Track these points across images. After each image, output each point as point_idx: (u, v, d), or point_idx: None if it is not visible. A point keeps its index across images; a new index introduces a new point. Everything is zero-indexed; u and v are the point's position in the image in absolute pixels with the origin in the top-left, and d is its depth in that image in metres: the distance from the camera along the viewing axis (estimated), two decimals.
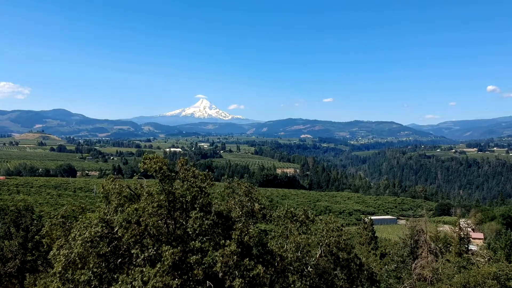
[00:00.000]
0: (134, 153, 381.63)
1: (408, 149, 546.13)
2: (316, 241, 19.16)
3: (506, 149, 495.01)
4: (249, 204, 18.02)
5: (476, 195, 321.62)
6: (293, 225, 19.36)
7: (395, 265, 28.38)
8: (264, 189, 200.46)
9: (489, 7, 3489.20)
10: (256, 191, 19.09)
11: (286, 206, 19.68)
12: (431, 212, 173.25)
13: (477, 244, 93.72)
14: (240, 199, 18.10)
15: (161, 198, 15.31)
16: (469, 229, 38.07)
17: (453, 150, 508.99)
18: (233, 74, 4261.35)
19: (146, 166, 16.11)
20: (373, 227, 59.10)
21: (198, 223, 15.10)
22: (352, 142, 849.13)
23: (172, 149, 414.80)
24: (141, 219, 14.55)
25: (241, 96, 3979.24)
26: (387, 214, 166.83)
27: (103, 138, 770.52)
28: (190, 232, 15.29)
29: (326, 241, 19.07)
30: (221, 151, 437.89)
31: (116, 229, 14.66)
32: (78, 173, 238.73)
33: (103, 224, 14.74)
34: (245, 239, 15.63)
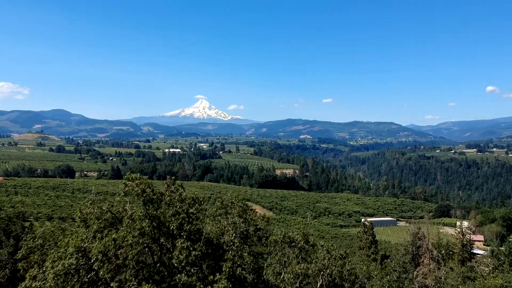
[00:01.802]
0: (133, 153, 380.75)
1: (407, 149, 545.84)
2: (317, 270, 17.49)
3: (506, 149, 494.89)
4: (243, 225, 16.68)
5: (475, 196, 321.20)
6: (291, 251, 17.87)
7: (397, 275, 27.68)
8: (264, 190, 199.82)
9: (489, 8, 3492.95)
10: (251, 210, 17.70)
11: (283, 230, 18.05)
12: (431, 213, 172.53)
13: (477, 247, 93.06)
14: (234, 221, 16.75)
15: (143, 224, 13.88)
16: (470, 232, 37.31)
17: (453, 151, 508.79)
18: (232, 75, 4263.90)
19: (127, 188, 14.68)
20: (373, 231, 58.31)
21: (184, 254, 13.69)
22: (351, 143, 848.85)
23: (171, 150, 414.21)
24: (119, 252, 13.19)
25: (240, 97, 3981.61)
26: (387, 215, 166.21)
27: (102, 139, 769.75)
28: (176, 264, 13.82)
29: (328, 271, 17.50)
30: (221, 152, 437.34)
31: (92, 261, 13.26)
32: (77, 174, 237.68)
33: (79, 255, 13.37)
34: (238, 272, 14.40)
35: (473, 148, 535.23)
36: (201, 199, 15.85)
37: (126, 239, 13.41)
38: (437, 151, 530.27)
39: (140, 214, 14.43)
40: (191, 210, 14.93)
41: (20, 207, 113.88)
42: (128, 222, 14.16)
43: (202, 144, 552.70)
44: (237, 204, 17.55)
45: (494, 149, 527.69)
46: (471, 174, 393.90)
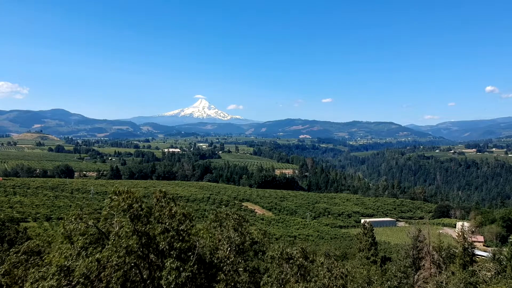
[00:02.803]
0: (132, 153, 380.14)
1: (407, 149, 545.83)
2: None
3: (505, 149, 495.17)
4: (238, 239, 15.75)
5: (475, 196, 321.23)
6: (289, 268, 16.68)
7: (398, 281, 27.33)
8: (263, 190, 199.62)
9: (488, 8, 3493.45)
10: (246, 222, 16.76)
11: (281, 245, 16.97)
12: (430, 214, 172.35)
13: (477, 248, 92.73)
14: (229, 235, 15.73)
15: (130, 242, 12.84)
16: (471, 235, 36.97)
17: (452, 151, 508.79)
18: (232, 75, 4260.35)
19: (113, 203, 13.64)
20: (373, 233, 57.98)
21: (174, 275, 12.74)
22: (351, 143, 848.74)
23: (170, 150, 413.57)
24: (102, 274, 12.21)
25: (240, 96, 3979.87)
26: (386, 216, 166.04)
27: (102, 138, 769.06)
28: (165, 286, 12.87)
29: None
30: (220, 152, 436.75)
31: (74, 283, 12.34)
32: (76, 174, 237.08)
33: (61, 276, 12.36)
34: None
35: (472, 148, 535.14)
36: (192, 215, 14.89)
37: (111, 259, 12.48)
38: (437, 151, 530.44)
39: (128, 230, 13.47)
40: (181, 227, 13.96)
41: (19, 208, 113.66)
42: (114, 240, 13.17)
43: (201, 144, 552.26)
44: (231, 217, 16.54)
45: (494, 149, 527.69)
46: (471, 174, 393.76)
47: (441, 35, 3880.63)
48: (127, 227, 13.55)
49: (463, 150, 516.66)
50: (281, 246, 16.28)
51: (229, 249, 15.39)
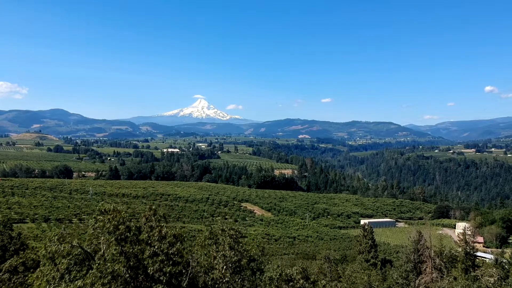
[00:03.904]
0: (131, 153, 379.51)
1: (406, 149, 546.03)
2: None
3: (504, 149, 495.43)
4: (234, 258, 14.82)
5: (474, 197, 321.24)
6: None
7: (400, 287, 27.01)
8: (262, 190, 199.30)
9: (488, 8, 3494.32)
10: (243, 238, 15.78)
11: (280, 266, 16.04)
12: (430, 214, 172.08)
13: (478, 249, 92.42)
14: (224, 253, 14.82)
15: (116, 267, 11.84)
16: (472, 239, 36.61)
17: (451, 151, 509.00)
18: (231, 74, 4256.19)
19: (98, 224, 12.65)
20: (373, 235, 57.60)
21: None
22: (350, 143, 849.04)
23: (169, 150, 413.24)
24: None
25: (239, 96, 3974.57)
26: (386, 216, 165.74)
27: (101, 138, 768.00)
28: None
29: None
30: (219, 152, 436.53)
31: None
32: (75, 174, 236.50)
33: None
34: None
35: (471, 148, 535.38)
36: (184, 236, 13.96)
37: (94, 287, 11.54)
38: (436, 151, 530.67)
39: (114, 252, 12.48)
40: (171, 251, 12.97)
41: (17, 209, 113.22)
42: (99, 264, 12.14)
43: (200, 144, 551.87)
44: (227, 232, 15.53)
45: (493, 149, 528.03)
46: (470, 174, 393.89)
47: (441, 35, 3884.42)
48: (114, 248, 12.65)
49: (462, 150, 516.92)
50: (280, 266, 15.43)
51: (224, 267, 14.57)
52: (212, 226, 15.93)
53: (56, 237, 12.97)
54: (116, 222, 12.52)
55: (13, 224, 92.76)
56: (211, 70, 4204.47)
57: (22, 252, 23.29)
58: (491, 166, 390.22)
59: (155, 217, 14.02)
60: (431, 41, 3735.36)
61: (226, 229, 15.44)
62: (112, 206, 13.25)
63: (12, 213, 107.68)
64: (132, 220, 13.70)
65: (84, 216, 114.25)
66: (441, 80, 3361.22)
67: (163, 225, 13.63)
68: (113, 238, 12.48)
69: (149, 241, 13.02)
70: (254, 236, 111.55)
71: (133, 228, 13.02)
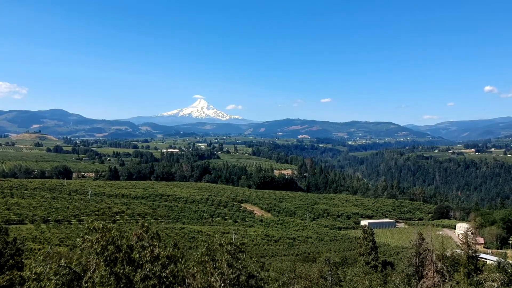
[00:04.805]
0: (131, 154, 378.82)
1: (405, 150, 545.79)
2: None
3: (504, 150, 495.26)
4: (233, 276, 13.95)
5: (474, 197, 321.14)
6: None
7: None
8: (262, 191, 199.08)
9: (488, 8, 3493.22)
10: (242, 253, 14.85)
11: (280, 282, 15.40)
12: (430, 215, 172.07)
13: (480, 252, 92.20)
14: (222, 271, 13.98)
15: None
16: (475, 242, 36.23)
17: (451, 151, 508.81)
18: (231, 74, 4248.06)
19: (85, 244, 11.76)
20: (374, 237, 57.23)
21: None
22: (349, 143, 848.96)
23: (169, 150, 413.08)
24: None
25: (239, 96, 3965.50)
26: (386, 217, 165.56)
27: (101, 139, 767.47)
28: None
29: None
30: (219, 152, 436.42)
31: None
32: (74, 175, 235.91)
33: None
34: None
35: (471, 148, 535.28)
36: (178, 256, 12.98)
37: None
38: (436, 151, 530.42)
39: (104, 274, 11.65)
40: (164, 274, 12.03)
41: (16, 210, 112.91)
42: (87, 287, 11.35)
43: (200, 144, 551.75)
44: (226, 248, 14.60)
45: (492, 149, 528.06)
46: (470, 174, 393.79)
47: (440, 35, 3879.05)
48: (103, 269, 11.82)
49: (462, 150, 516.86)
50: (280, 284, 14.80)
51: (222, 285, 13.78)
52: (208, 241, 15.15)
53: (42, 257, 12.21)
54: (104, 242, 11.72)
55: (12, 226, 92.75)
56: (211, 70, 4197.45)
57: (17, 257, 22.96)
58: (491, 166, 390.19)
59: (148, 234, 13.17)
60: (431, 41, 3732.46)
61: (224, 244, 14.61)
62: (101, 224, 12.30)
63: (11, 214, 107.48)
64: (125, 235, 12.86)
65: (83, 217, 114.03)
66: (441, 80, 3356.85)
67: (156, 244, 12.80)
68: (101, 260, 11.71)
69: (141, 262, 12.22)
70: (254, 237, 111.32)
71: (124, 246, 12.19)
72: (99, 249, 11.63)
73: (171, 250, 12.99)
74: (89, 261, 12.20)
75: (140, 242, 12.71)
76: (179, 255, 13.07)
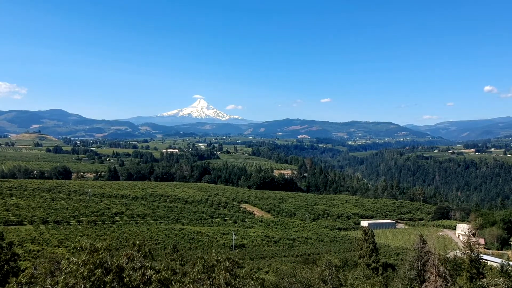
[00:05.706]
0: (130, 154, 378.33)
1: (405, 150, 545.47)
2: None
3: (504, 149, 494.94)
4: None
5: (474, 197, 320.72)
6: None
7: None
8: (262, 191, 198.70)
9: (487, 8, 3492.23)
10: (240, 269, 14.11)
11: None
12: (430, 215, 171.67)
13: (482, 254, 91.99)
14: None
15: None
16: (478, 246, 35.85)
17: (451, 151, 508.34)
18: (230, 75, 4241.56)
19: (71, 267, 10.90)
20: (374, 238, 56.85)
21: None
22: (349, 143, 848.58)
23: (169, 150, 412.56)
24: None
25: (238, 97, 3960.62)
26: (386, 217, 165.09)
27: (100, 139, 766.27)
28: None
29: None
30: (218, 152, 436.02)
31: None
32: (74, 175, 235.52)
33: None
34: None
35: (471, 148, 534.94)
36: (171, 279, 12.05)
37: None
38: (435, 151, 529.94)
39: None
40: None
41: (15, 210, 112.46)
42: None
43: (200, 144, 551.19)
44: (223, 264, 13.69)
45: (492, 149, 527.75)
46: (470, 174, 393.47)
47: (440, 35, 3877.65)
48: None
49: (462, 150, 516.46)
50: None
51: None
52: (205, 258, 14.38)
53: (26, 277, 11.39)
54: (91, 265, 10.85)
55: (11, 227, 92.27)
56: (211, 70, 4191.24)
57: (13, 263, 22.57)
58: (491, 166, 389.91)
59: (140, 253, 12.30)
60: (430, 41, 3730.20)
61: (221, 260, 13.78)
62: (89, 244, 11.42)
63: (10, 215, 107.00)
64: (114, 256, 11.92)
65: (82, 218, 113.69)
66: (440, 80, 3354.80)
67: (148, 266, 11.91)
68: (88, 284, 10.81)
69: (131, 286, 11.34)
70: (254, 238, 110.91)
71: (114, 268, 11.26)
72: (85, 273, 10.78)
73: (163, 273, 12.08)
74: (75, 286, 11.12)
75: (131, 263, 11.85)
76: (172, 278, 12.19)
